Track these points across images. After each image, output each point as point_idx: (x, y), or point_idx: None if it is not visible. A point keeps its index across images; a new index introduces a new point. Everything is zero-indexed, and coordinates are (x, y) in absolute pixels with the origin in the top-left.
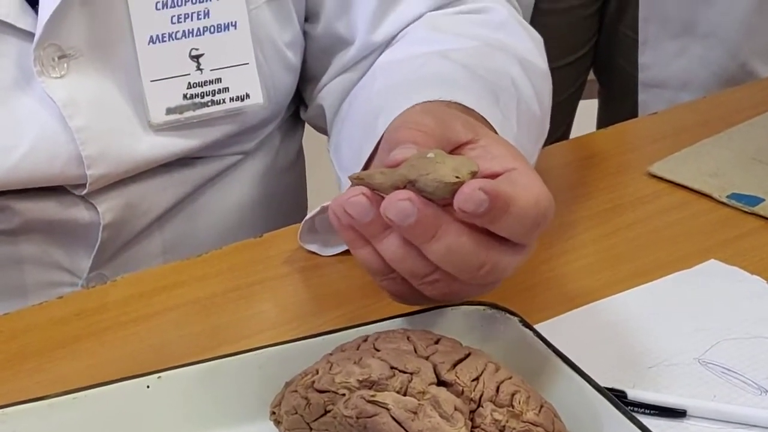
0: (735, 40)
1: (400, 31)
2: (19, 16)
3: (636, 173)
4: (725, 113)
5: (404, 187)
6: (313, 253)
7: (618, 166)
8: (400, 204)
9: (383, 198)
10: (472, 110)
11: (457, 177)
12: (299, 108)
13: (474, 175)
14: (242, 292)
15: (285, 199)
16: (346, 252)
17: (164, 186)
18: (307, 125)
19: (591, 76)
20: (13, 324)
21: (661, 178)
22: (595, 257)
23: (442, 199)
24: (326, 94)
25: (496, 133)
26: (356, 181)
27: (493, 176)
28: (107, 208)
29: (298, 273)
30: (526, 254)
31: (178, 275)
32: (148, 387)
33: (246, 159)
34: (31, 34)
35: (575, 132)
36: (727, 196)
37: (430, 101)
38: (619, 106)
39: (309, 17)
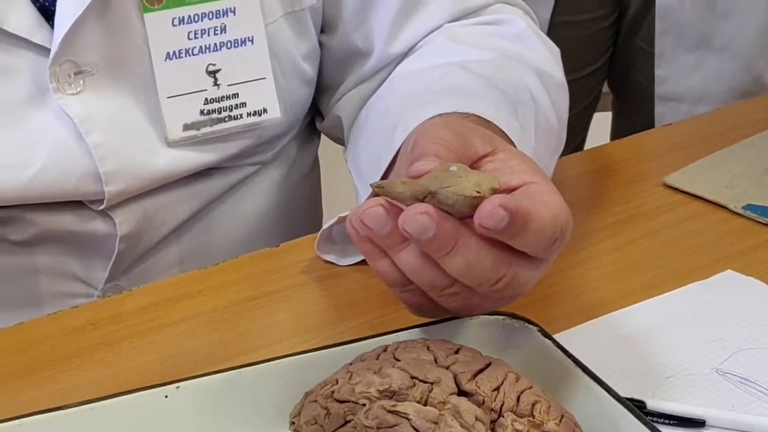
0: (750, 54)
1: (418, 42)
2: (35, 31)
3: (651, 184)
4: (739, 125)
5: (424, 198)
6: (330, 262)
7: (633, 177)
8: (418, 218)
9: (401, 209)
10: (490, 122)
11: (477, 192)
12: (315, 118)
13: (495, 191)
14: (259, 302)
15: (300, 210)
16: (364, 261)
17: (181, 198)
18: (322, 135)
19: (605, 88)
20: (27, 333)
21: (676, 189)
22: (611, 267)
23: (460, 213)
24: (343, 104)
25: (514, 145)
26: (377, 189)
27: (511, 190)
28: (124, 219)
29: (315, 282)
30: (544, 268)
31: (194, 285)
32: (166, 397)
33: (262, 170)
34: (47, 50)
35: (589, 145)
36: (743, 207)
37: (448, 113)
38: (634, 118)
39: (325, 28)
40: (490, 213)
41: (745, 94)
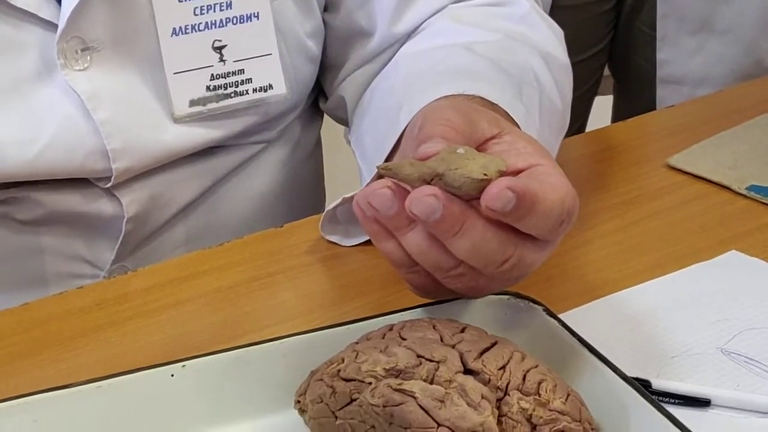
0: (752, 37)
1: (422, 23)
2: (42, 6)
3: (655, 165)
4: (742, 106)
5: (431, 180)
6: (334, 243)
7: (636, 158)
8: (425, 200)
9: (408, 191)
10: (496, 104)
11: (485, 174)
12: (318, 98)
13: (501, 173)
14: (264, 282)
15: (304, 189)
16: (367, 242)
17: (188, 177)
18: (324, 115)
19: (606, 71)
20: (32, 313)
21: (679, 170)
22: (616, 248)
23: (467, 195)
24: (347, 84)
25: (518, 127)
26: (384, 171)
27: (518, 172)
28: (131, 200)
29: (319, 263)
30: (550, 249)
31: (199, 265)
32: (172, 375)
33: (267, 148)
34: (54, 25)
35: (590, 128)
36: (746, 188)
37: (454, 96)
38: (635, 101)
39: (329, 7)
40: (497, 195)
41: (747, 78)
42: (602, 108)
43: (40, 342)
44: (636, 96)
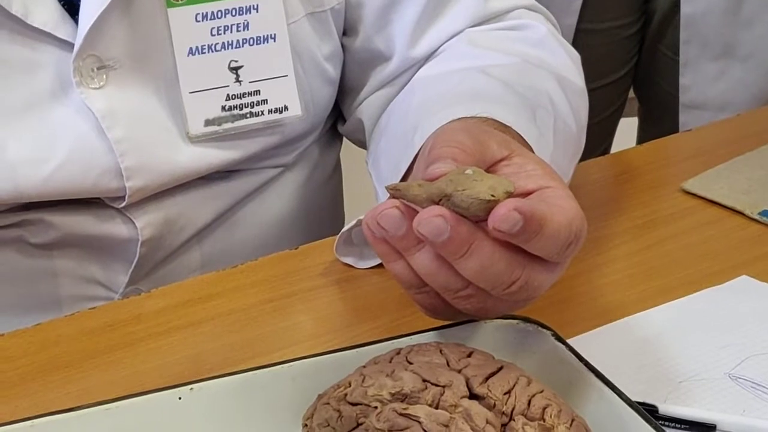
0: None
1: (439, 47)
2: (59, 25)
3: (670, 189)
4: (758, 131)
5: (439, 201)
6: (349, 265)
7: (652, 182)
8: (433, 221)
9: (417, 212)
10: (509, 127)
11: (492, 195)
12: (337, 121)
13: (509, 194)
14: (277, 304)
15: (322, 212)
16: (382, 264)
17: (203, 200)
18: (344, 138)
19: (631, 93)
20: (44, 334)
21: (694, 195)
22: (628, 272)
23: (475, 216)
24: (365, 108)
25: (531, 150)
26: (393, 191)
27: (527, 194)
28: (146, 223)
29: (333, 285)
30: (559, 272)
31: (213, 287)
32: (180, 398)
33: (285, 172)
34: (70, 44)
35: (615, 150)
36: (759, 213)
37: (467, 118)
38: (659, 124)
39: (347, 31)
40: (504, 216)
41: None
42: (629, 129)
43: (51, 363)
44: (660, 119)
